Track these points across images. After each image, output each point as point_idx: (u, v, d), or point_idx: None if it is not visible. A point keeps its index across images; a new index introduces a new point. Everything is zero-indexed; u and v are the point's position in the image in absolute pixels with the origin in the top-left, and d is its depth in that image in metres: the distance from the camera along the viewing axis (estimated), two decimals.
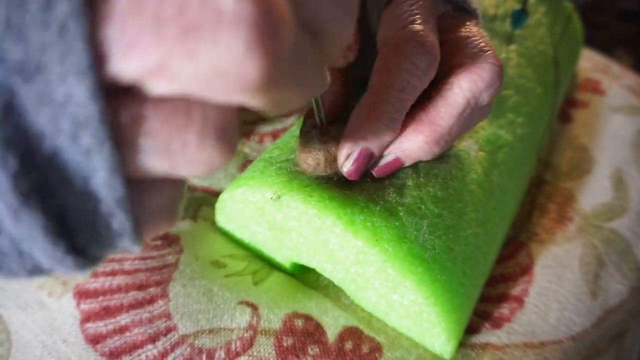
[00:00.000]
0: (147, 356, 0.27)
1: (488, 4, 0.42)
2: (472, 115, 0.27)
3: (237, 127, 0.15)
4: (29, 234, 0.13)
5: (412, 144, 0.27)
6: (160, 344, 0.28)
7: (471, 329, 0.30)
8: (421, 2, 0.27)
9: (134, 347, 0.27)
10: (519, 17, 0.37)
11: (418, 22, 0.26)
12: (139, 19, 0.12)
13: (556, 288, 0.33)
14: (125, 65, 0.12)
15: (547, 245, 0.36)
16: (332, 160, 0.26)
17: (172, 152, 0.14)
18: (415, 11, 0.27)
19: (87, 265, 0.16)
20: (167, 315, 0.29)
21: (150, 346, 0.27)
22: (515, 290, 0.33)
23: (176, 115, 0.14)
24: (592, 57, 0.55)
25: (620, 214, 0.38)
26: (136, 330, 0.28)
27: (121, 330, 0.28)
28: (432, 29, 0.27)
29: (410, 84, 0.25)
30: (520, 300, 0.32)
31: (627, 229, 0.38)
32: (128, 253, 0.32)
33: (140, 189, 0.15)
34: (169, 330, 0.28)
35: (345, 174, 0.26)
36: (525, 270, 0.34)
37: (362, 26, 0.32)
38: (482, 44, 0.27)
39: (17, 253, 0.14)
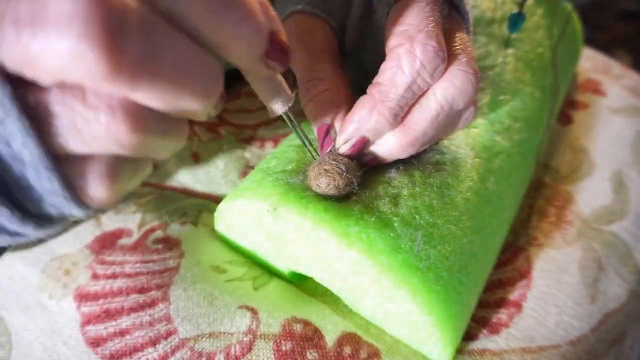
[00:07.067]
0: (147, 359, 0.27)
1: (486, 7, 0.42)
2: (447, 120, 0.29)
3: (154, 114, 0.18)
4: None
5: (388, 146, 0.29)
6: (161, 347, 0.28)
7: (469, 336, 0.30)
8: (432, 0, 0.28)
9: (135, 350, 0.28)
10: (516, 20, 0.37)
11: (432, 25, 0.27)
12: (3, 23, 0.15)
13: (555, 292, 0.33)
14: (2, 59, 0.16)
15: (546, 249, 0.35)
16: (342, 186, 0.27)
17: (78, 129, 0.17)
18: (429, 12, 0.27)
19: (47, 225, 0.20)
20: (168, 319, 0.29)
21: (150, 349, 0.28)
22: (514, 295, 0.32)
23: (75, 99, 0.17)
24: (592, 57, 0.54)
25: (620, 217, 0.38)
26: (137, 334, 0.28)
27: (122, 333, 0.28)
28: (441, 30, 0.28)
29: (418, 86, 0.27)
30: (518, 305, 0.32)
31: (627, 232, 0.38)
32: (129, 256, 0.32)
33: (72, 160, 0.19)
34: (169, 333, 0.28)
35: (339, 152, 0.28)
36: (524, 274, 0.34)
37: (364, 17, 0.32)
38: (460, 53, 0.28)
39: None
